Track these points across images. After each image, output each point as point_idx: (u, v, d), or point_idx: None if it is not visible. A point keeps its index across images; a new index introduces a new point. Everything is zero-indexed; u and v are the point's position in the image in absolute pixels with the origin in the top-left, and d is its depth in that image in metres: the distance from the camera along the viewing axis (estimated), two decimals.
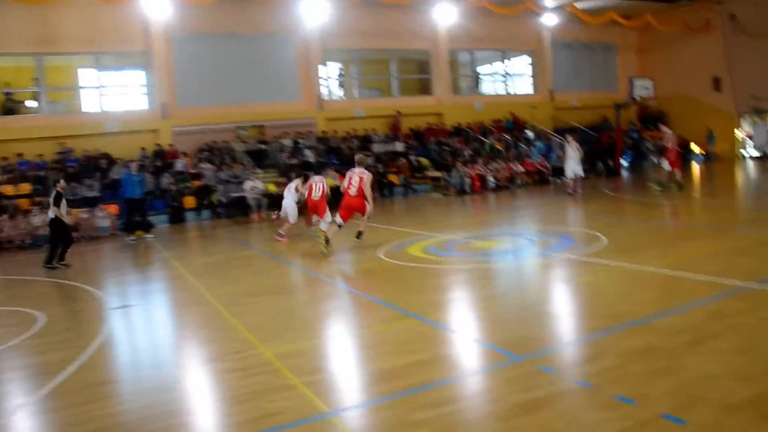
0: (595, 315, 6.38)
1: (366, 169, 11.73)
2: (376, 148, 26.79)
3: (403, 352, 5.64)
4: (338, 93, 30.19)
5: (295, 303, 8.32)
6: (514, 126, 30.16)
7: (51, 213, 12.56)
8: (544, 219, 15.36)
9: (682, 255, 8.91)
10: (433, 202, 21.76)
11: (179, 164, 23.55)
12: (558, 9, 29.99)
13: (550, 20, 30.79)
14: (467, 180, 23.04)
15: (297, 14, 25.36)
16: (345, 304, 7.96)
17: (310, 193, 13.57)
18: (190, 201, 22.18)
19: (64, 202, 12.78)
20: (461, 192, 22.96)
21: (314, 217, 14.30)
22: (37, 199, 19.45)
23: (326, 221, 12.58)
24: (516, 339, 5.75)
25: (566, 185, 19.66)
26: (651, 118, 35.10)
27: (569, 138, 20.17)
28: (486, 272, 9.09)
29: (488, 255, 10.39)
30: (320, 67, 27.64)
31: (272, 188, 20.95)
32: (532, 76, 33.33)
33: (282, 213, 14.54)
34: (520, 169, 24.75)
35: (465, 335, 6.29)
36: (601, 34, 33.47)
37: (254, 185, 21.10)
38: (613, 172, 26.99)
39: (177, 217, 21.66)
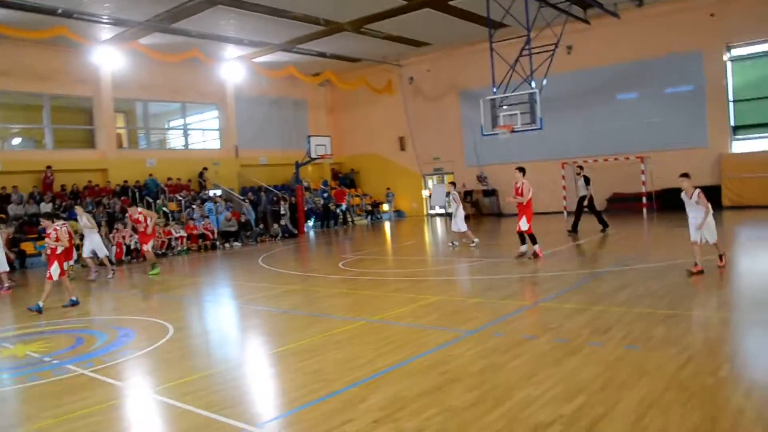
0: None
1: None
2: (15, 210, 22.26)
3: None
4: None
5: None
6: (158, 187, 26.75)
7: None
8: (136, 301, 12.61)
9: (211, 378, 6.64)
10: (40, 277, 17.79)
11: None
12: (239, 61, 28.27)
13: (232, 73, 28.97)
14: (113, 248, 19.67)
15: None
16: None
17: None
18: None
19: None
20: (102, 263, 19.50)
21: None
22: None
23: None
24: None
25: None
26: (345, 178, 34.91)
27: (79, 209, 16.84)
28: None
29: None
30: None
31: None
32: (219, 131, 31.07)
33: None
34: (181, 233, 21.93)
35: None
36: (291, 89, 32.58)
37: None
38: (293, 234, 25.46)
39: None
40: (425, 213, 32.71)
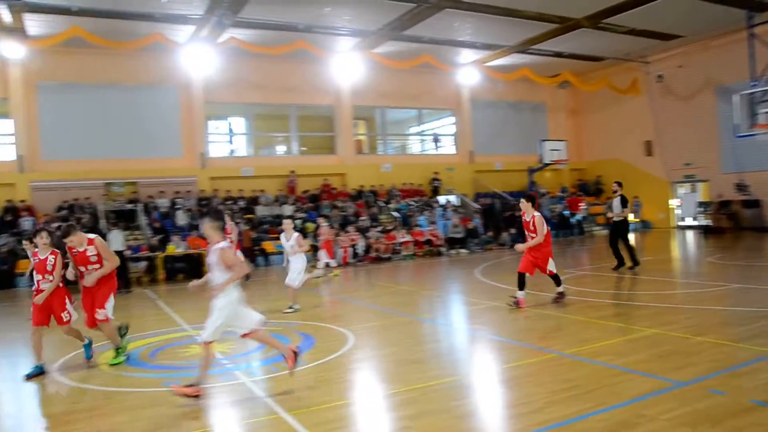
0: None
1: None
2: (261, 211, 24.19)
3: None
4: (227, 150, 27.66)
5: None
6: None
7: None
8: (324, 306, 12.65)
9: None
10: (272, 275, 19.11)
11: (27, 222, 20.95)
12: (472, 65, 27.85)
13: (468, 78, 28.65)
14: (340, 251, 20.34)
15: (180, 65, 23.07)
16: None
17: None
18: (25, 264, 19.39)
19: None
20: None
21: None
22: None
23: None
24: None
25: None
26: (585, 184, 32.85)
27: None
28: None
29: (180, 371, 7.44)
30: (208, 122, 25.34)
31: None
32: (454, 137, 31.02)
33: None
34: (407, 238, 22.06)
35: None
36: (529, 93, 31.40)
37: None
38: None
39: (5, 282, 18.91)
40: (673, 225, 29.46)
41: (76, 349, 8.64)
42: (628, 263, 14.38)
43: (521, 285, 10.14)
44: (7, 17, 19.17)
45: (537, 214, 10.11)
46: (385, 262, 21.01)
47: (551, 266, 10.22)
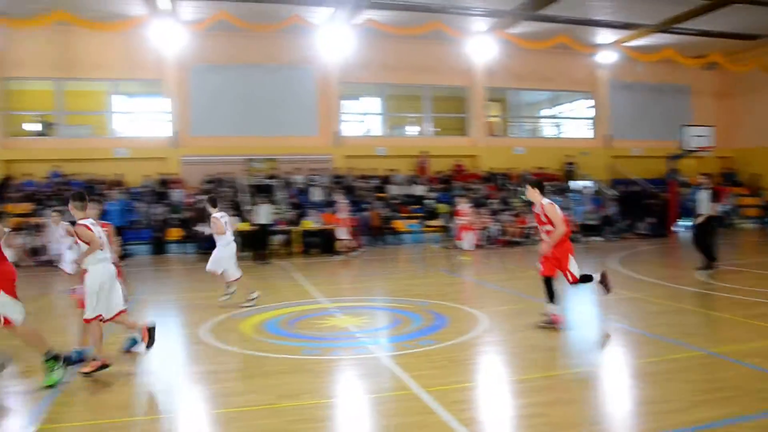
0: None
1: None
2: (394, 190, 24.59)
3: None
4: (360, 129, 28.27)
5: None
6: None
7: None
8: (456, 287, 12.83)
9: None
10: (403, 254, 19.54)
11: (177, 194, 22.60)
12: (611, 46, 26.68)
13: (606, 59, 27.50)
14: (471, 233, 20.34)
15: (318, 46, 23.81)
16: None
17: None
18: (174, 233, 21.05)
19: None
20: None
21: None
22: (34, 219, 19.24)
23: None
24: None
25: None
26: (731, 173, 30.76)
27: None
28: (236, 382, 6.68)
29: (317, 341, 7.85)
30: (342, 101, 26.00)
31: (242, 226, 19.22)
32: (592, 120, 29.98)
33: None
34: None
35: None
36: (671, 75, 29.64)
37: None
38: (661, 233, 23.26)
39: (159, 248, 20.73)
40: None
41: (224, 313, 9.30)
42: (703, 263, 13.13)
43: (551, 295, 8.21)
44: (165, 5, 20.45)
45: (546, 201, 8.12)
46: (516, 246, 20.81)
47: (573, 267, 8.03)
